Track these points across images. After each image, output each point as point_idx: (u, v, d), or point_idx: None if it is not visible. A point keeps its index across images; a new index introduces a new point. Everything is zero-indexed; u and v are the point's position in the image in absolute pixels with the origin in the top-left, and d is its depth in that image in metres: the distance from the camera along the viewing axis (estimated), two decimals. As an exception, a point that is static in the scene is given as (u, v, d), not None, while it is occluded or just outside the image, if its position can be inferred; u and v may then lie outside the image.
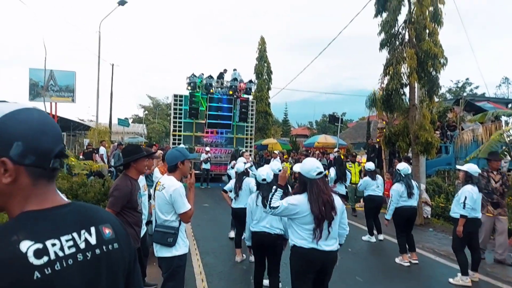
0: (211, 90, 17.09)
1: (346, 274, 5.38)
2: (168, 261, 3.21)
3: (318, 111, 74.50)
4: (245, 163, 6.48)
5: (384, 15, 9.57)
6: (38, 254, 0.82)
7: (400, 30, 9.58)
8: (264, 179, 4.21)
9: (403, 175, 6.18)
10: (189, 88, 16.92)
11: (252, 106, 18.37)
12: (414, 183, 6.30)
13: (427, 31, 9.10)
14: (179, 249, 3.21)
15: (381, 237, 7.70)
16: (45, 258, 0.83)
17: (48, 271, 0.83)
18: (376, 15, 9.73)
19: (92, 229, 0.96)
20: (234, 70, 18.21)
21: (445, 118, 15.82)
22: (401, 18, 9.53)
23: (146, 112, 46.05)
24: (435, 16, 9.09)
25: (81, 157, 13.40)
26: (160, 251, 3.23)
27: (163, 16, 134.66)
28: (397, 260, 6.16)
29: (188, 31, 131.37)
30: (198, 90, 16.95)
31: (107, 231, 0.99)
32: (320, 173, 3.11)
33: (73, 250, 0.89)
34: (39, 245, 0.83)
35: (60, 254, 0.86)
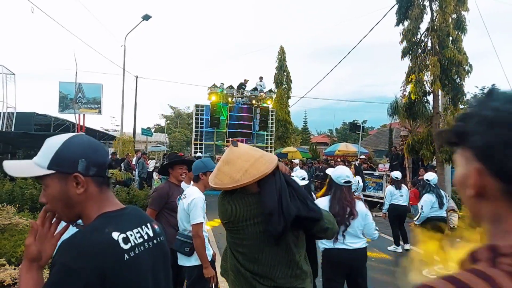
0: (232, 100, 17.37)
1: (376, 284, 5.34)
2: (188, 270, 3.23)
3: (338, 118, 73.91)
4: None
5: (406, 23, 9.57)
6: (125, 241, 1.06)
7: (422, 38, 9.54)
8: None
9: (433, 185, 6.08)
10: (210, 98, 17.25)
11: (272, 115, 18.51)
12: (443, 192, 6.21)
13: (451, 38, 9.04)
14: (198, 259, 3.15)
15: (407, 246, 7.57)
16: (129, 244, 1.07)
17: (132, 254, 1.06)
18: (397, 24, 9.74)
19: (148, 225, 1.19)
20: (261, 78, 18.50)
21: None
22: (423, 26, 9.51)
23: (168, 121, 46.97)
24: (459, 23, 9.02)
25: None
26: (180, 260, 3.25)
27: (185, 28, 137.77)
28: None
29: (209, 42, 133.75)
30: (219, 100, 17.26)
31: (156, 226, 1.23)
32: (348, 182, 3.28)
33: (141, 240, 1.12)
34: (124, 235, 1.06)
35: (136, 242, 1.10)
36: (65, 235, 1.13)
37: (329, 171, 3.68)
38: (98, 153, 1.13)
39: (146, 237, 1.15)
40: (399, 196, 7.62)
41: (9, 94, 14.09)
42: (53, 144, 1.10)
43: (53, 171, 1.06)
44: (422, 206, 6.07)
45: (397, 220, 7.66)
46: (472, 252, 0.58)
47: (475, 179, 0.59)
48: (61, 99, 15.82)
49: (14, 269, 3.63)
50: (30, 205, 6.61)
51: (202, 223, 3.14)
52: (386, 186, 9.27)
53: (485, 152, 0.59)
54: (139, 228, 1.14)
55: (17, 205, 5.87)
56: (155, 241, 1.18)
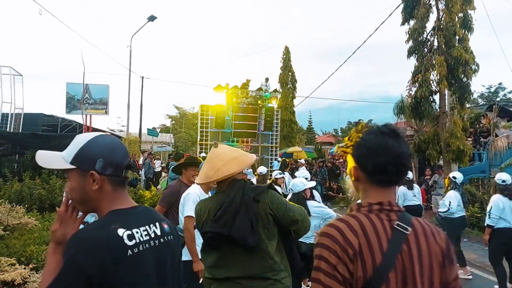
0: (237, 100, 17.40)
1: None
2: (186, 265, 3.27)
3: (343, 118, 73.60)
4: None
5: (412, 22, 9.52)
6: (129, 237, 1.13)
7: (428, 37, 9.49)
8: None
9: (459, 184, 6.02)
10: (215, 98, 17.29)
11: (277, 115, 18.52)
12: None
13: (457, 37, 8.97)
14: (189, 254, 3.18)
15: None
16: (133, 241, 1.13)
17: (135, 250, 1.12)
18: (403, 23, 9.69)
19: (157, 224, 1.25)
20: (266, 79, 18.53)
21: (477, 124, 15.33)
22: (430, 25, 9.45)
23: (173, 121, 47.12)
24: (465, 22, 8.96)
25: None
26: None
27: (190, 29, 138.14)
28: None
29: (213, 43, 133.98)
30: (224, 100, 17.29)
31: (165, 226, 1.29)
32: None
33: (147, 237, 1.19)
34: (129, 232, 1.14)
35: (141, 239, 1.16)
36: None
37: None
38: (117, 154, 1.22)
39: (153, 235, 1.21)
40: (412, 196, 7.45)
41: (17, 95, 14.25)
42: (79, 141, 1.20)
43: (75, 167, 1.17)
44: (450, 201, 5.97)
45: None
46: (351, 206, 1.20)
47: (354, 171, 1.21)
48: (68, 100, 15.95)
49: (24, 268, 3.68)
50: (39, 205, 6.69)
51: (193, 217, 3.11)
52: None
53: (356, 159, 1.20)
54: (146, 227, 1.20)
55: (26, 205, 5.95)
56: (162, 239, 1.23)
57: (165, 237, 1.25)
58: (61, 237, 1.19)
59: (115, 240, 1.09)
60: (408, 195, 7.46)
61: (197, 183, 2.24)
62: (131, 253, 1.10)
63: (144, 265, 1.14)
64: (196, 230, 3.17)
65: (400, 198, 7.49)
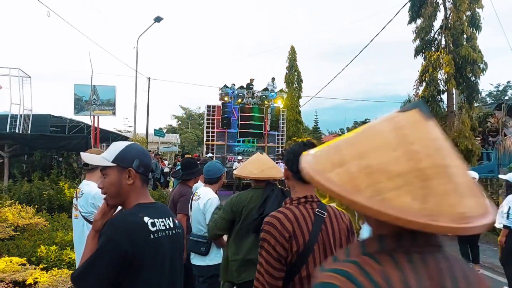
0: (242, 100, 17.41)
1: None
2: (200, 269, 3.27)
3: (349, 118, 73.18)
4: None
5: (419, 21, 9.45)
6: (152, 225, 1.40)
7: (436, 36, 9.41)
8: None
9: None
10: (221, 98, 17.33)
11: (283, 115, 18.49)
12: None
13: (465, 36, 8.88)
14: (213, 259, 3.21)
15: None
16: (155, 228, 1.41)
17: (157, 235, 1.40)
18: (410, 22, 9.63)
19: (170, 218, 1.53)
20: (273, 78, 18.51)
21: (485, 123, 15.17)
22: (437, 24, 9.37)
23: (179, 122, 47.29)
24: (473, 21, 8.87)
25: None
26: (194, 259, 3.31)
27: (196, 30, 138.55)
28: None
29: (219, 43, 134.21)
30: (230, 100, 17.32)
31: (176, 221, 1.56)
32: None
33: (164, 228, 1.45)
34: (152, 220, 1.41)
35: (160, 228, 1.43)
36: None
37: None
38: (147, 158, 1.53)
39: (168, 226, 1.48)
40: None
41: (25, 96, 14.41)
42: (118, 146, 1.51)
43: (115, 164, 1.46)
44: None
45: None
46: (285, 201, 1.63)
47: (284, 172, 1.67)
48: (76, 101, 16.09)
49: (35, 268, 3.72)
50: (48, 206, 6.75)
51: None
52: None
53: (286, 162, 1.63)
54: (163, 219, 1.48)
55: (35, 206, 6.01)
56: (173, 231, 1.50)
57: (176, 230, 1.52)
58: (101, 226, 1.45)
59: (142, 225, 1.37)
60: None
61: (236, 175, 2.81)
62: (153, 237, 1.38)
63: (161, 249, 1.41)
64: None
65: None
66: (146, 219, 1.39)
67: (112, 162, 1.46)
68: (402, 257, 0.69)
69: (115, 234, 1.32)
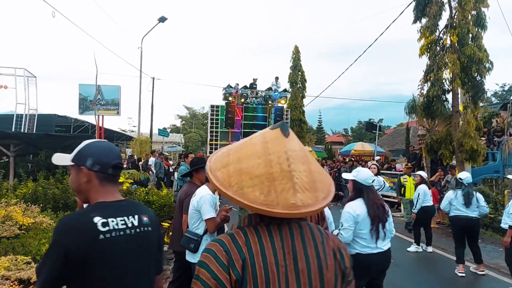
0: (246, 100, 17.42)
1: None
2: (193, 266, 3.31)
3: (353, 118, 72.96)
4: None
5: (424, 21, 9.40)
6: (103, 224, 1.35)
7: (441, 35, 9.35)
8: None
9: (466, 184, 5.92)
10: (225, 98, 17.34)
11: (286, 115, 18.47)
12: (478, 194, 5.96)
13: (470, 35, 8.82)
14: None
15: (430, 249, 7.39)
16: (107, 228, 1.36)
17: (107, 235, 1.35)
18: (415, 21, 9.58)
19: (136, 216, 1.47)
20: (276, 78, 18.50)
21: (491, 123, 15.05)
22: (442, 23, 9.32)
23: (183, 122, 47.39)
24: (478, 20, 8.80)
25: (124, 166, 14.08)
26: (187, 255, 3.40)
27: (200, 30, 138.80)
28: (455, 270, 5.98)
29: (223, 43, 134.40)
30: (233, 100, 17.33)
31: (145, 218, 1.50)
32: (373, 181, 3.52)
33: (123, 226, 1.41)
34: (104, 220, 1.36)
35: (116, 227, 1.38)
36: None
37: (346, 175, 3.70)
38: (106, 155, 1.49)
39: (130, 225, 1.43)
40: (430, 196, 7.36)
41: (31, 96, 14.51)
42: (81, 144, 1.52)
43: (73, 163, 1.48)
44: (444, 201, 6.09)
45: (427, 220, 7.45)
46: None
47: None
48: (81, 101, 16.19)
49: (40, 267, 3.74)
50: (53, 205, 6.78)
51: (215, 217, 3.23)
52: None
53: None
54: (125, 218, 1.43)
55: (40, 205, 6.05)
56: (138, 230, 1.45)
57: (142, 228, 1.47)
58: None
59: (89, 225, 1.33)
60: (427, 196, 7.30)
61: None
62: (102, 237, 1.33)
63: (116, 249, 1.37)
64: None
65: (421, 197, 7.23)
66: (96, 219, 1.35)
67: (72, 160, 1.49)
68: (262, 228, 1.01)
69: (59, 234, 1.33)
